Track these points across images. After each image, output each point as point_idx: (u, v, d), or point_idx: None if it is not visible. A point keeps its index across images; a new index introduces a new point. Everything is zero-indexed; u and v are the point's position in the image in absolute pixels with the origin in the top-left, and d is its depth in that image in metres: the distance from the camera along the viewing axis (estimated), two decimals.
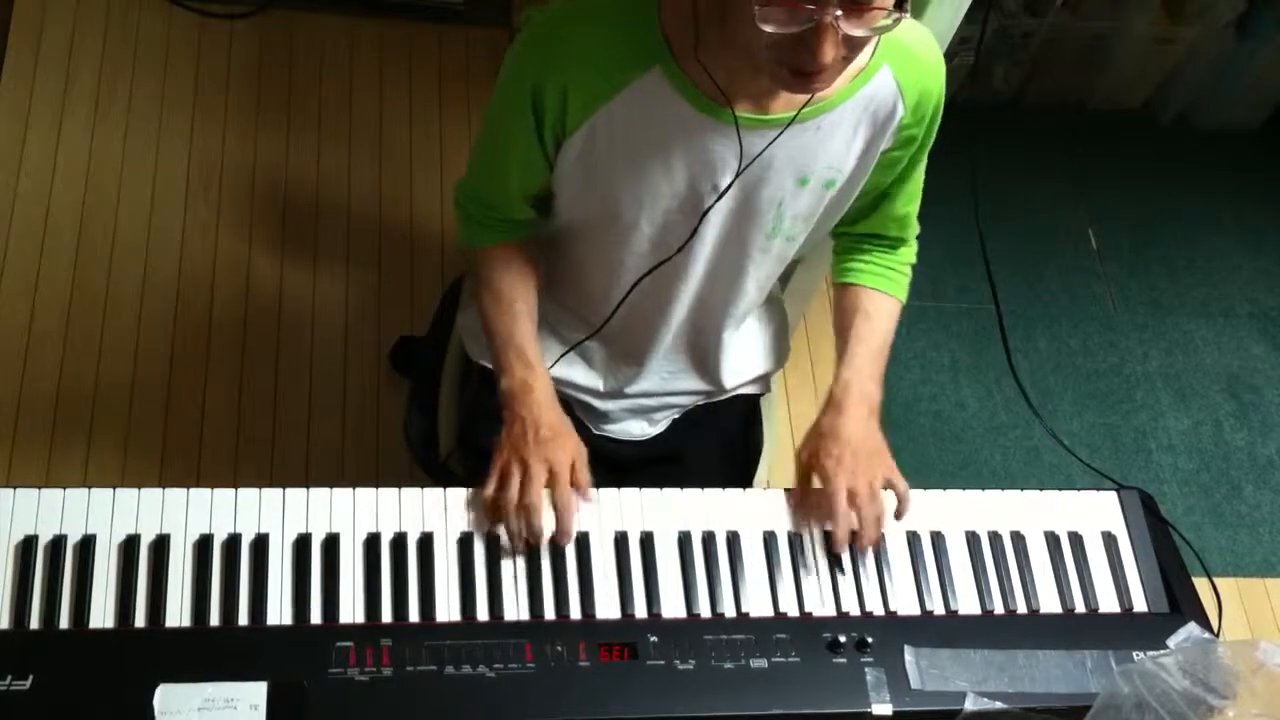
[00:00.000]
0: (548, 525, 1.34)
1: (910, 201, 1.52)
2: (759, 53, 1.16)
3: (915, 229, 1.57)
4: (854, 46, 1.14)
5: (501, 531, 1.34)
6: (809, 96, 1.28)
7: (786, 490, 1.46)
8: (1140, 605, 1.45)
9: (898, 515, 1.43)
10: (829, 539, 1.42)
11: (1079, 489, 1.52)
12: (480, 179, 1.48)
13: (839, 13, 1.09)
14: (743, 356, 1.66)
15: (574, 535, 1.35)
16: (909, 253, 1.59)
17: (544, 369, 1.45)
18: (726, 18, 1.18)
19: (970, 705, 1.31)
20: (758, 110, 1.30)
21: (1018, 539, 1.46)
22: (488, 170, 1.45)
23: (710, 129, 1.30)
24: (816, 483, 1.44)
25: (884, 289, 1.56)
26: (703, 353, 1.62)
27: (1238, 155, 3.14)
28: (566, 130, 1.33)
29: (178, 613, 1.25)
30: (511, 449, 1.37)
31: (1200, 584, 1.50)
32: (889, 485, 1.43)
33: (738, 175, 1.33)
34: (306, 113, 2.66)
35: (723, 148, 1.32)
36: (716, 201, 1.36)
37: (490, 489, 1.35)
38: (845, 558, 1.40)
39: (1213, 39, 2.94)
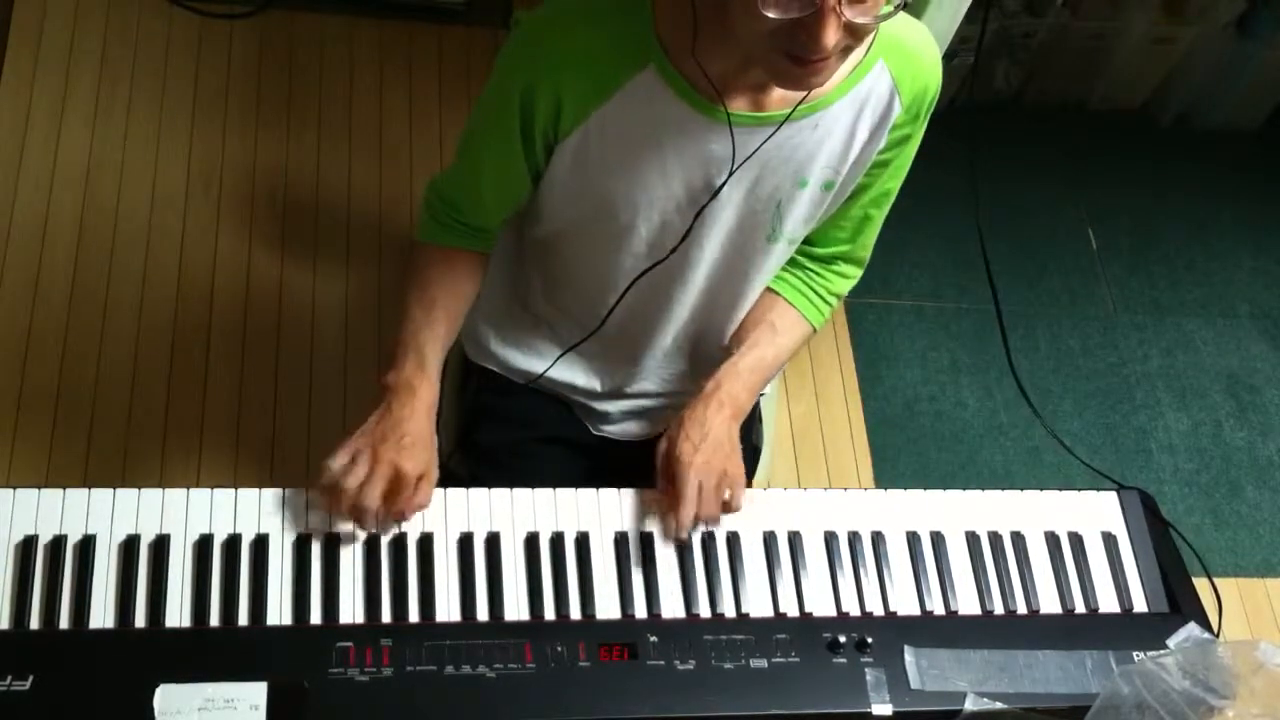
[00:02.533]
0: (371, 526, 1.33)
1: (876, 206, 1.48)
2: (758, 42, 1.14)
3: (868, 252, 1.54)
4: (855, 34, 1.13)
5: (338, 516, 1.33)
6: (805, 94, 1.27)
7: (786, 490, 1.46)
8: (1140, 605, 1.45)
9: (713, 521, 1.40)
10: (834, 540, 1.42)
11: (1079, 489, 1.52)
12: (454, 180, 1.46)
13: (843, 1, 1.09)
14: None
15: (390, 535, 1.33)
16: (844, 282, 1.56)
17: (435, 382, 1.41)
18: (725, 9, 1.17)
19: (970, 705, 1.31)
20: (753, 108, 1.30)
21: (1018, 539, 1.46)
22: (463, 173, 1.44)
23: (706, 128, 1.30)
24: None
25: (803, 311, 1.54)
26: (705, 356, 1.61)
27: (1238, 155, 3.14)
28: (560, 134, 1.32)
29: (178, 613, 1.25)
30: (369, 441, 1.34)
31: (1200, 584, 1.50)
32: (731, 484, 1.41)
33: (731, 172, 1.32)
34: (306, 113, 2.66)
35: (719, 147, 1.31)
36: (711, 200, 1.36)
37: (335, 465, 1.32)
38: (844, 558, 1.40)
39: (1213, 39, 2.94)
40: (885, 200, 1.48)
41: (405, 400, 1.38)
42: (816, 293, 1.55)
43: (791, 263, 1.54)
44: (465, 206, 1.46)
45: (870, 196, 1.46)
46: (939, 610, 1.40)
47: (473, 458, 1.66)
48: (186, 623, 1.25)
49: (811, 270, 1.55)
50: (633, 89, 1.28)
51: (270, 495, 1.33)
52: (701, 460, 1.39)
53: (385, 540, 1.33)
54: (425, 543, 1.34)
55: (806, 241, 1.51)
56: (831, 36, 1.11)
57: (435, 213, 1.48)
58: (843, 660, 1.32)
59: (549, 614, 1.31)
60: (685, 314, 1.53)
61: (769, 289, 1.54)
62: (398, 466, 1.33)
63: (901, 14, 1.16)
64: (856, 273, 1.57)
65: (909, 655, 1.33)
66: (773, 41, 1.14)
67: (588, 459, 1.67)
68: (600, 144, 1.32)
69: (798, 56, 1.14)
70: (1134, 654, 1.38)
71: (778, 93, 1.29)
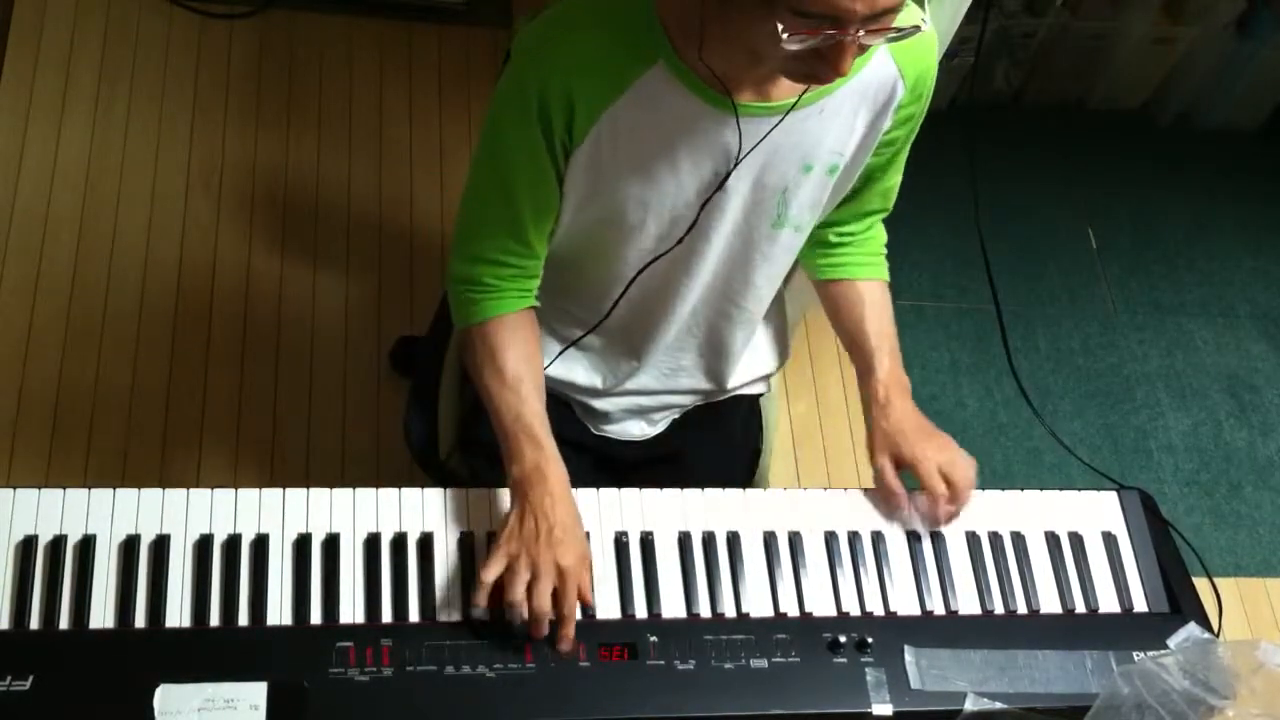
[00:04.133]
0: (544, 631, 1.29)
1: (898, 173, 1.52)
2: (772, 58, 1.17)
3: (892, 204, 1.58)
4: (865, 50, 1.16)
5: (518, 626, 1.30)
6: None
7: (786, 490, 1.46)
8: (1140, 605, 1.45)
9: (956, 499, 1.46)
10: (834, 539, 1.42)
11: (1079, 489, 1.52)
12: (490, 230, 1.40)
13: (862, 31, 1.11)
14: (747, 355, 1.66)
15: (573, 639, 1.30)
16: (881, 235, 1.60)
17: (554, 449, 1.38)
18: (733, 22, 1.18)
19: (970, 705, 1.31)
20: (760, 98, 1.30)
21: (1018, 539, 1.46)
22: (496, 212, 1.38)
23: (716, 120, 1.30)
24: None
25: (877, 277, 1.58)
26: (712, 350, 1.61)
27: (1238, 155, 3.15)
28: (574, 140, 1.32)
29: (178, 613, 1.25)
30: (522, 544, 1.29)
31: (1200, 584, 1.50)
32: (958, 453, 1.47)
33: (737, 162, 1.33)
34: (306, 113, 2.66)
35: (728, 137, 1.32)
36: (718, 189, 1.36)
37: (489, 577, 1.28)
38: (844, 558, 1.41)
39: (1213, 39, 2.95)
40: (901, 165, 1.51)
41: (539, 489, 1.33)
42: (874, 254, 1.59)
43: (831, 245, 1.57)
44: (512, 247, 1.40)
45: (893, 169, 1.49)
46: (939, 610, 1.40)
47: (473, 456, 1.66)
48: (186, 623, 1.25)
49: (855, 240, 1.57)
50: (642, 85, 1.28)
51: (270, 495, 1.33)
52: (935, 446, 1.45)
53: (385, 540, 1.33)
54: (425, 543, 1.34)
55: (841, 219, 1.55)
56: (849, 63, 1.14)
57: (475, 287, 1.42)
58: (843, 660, 1.32)
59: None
60: (690, 305, 1.53)
61: (839, 279, 1.57)
62: (557, 563, 1.29)
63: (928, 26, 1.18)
64: (882, 225, 1.61)
65: (909, 655, 1.33)
66: (791, 63, 1.17)
67: (588, 459, 1.66)
68: (612, 144, 1.32)
69: (812, 75, 1.17)
70: (1134, 654, 1.38)
71: (784, 82, 1.29)
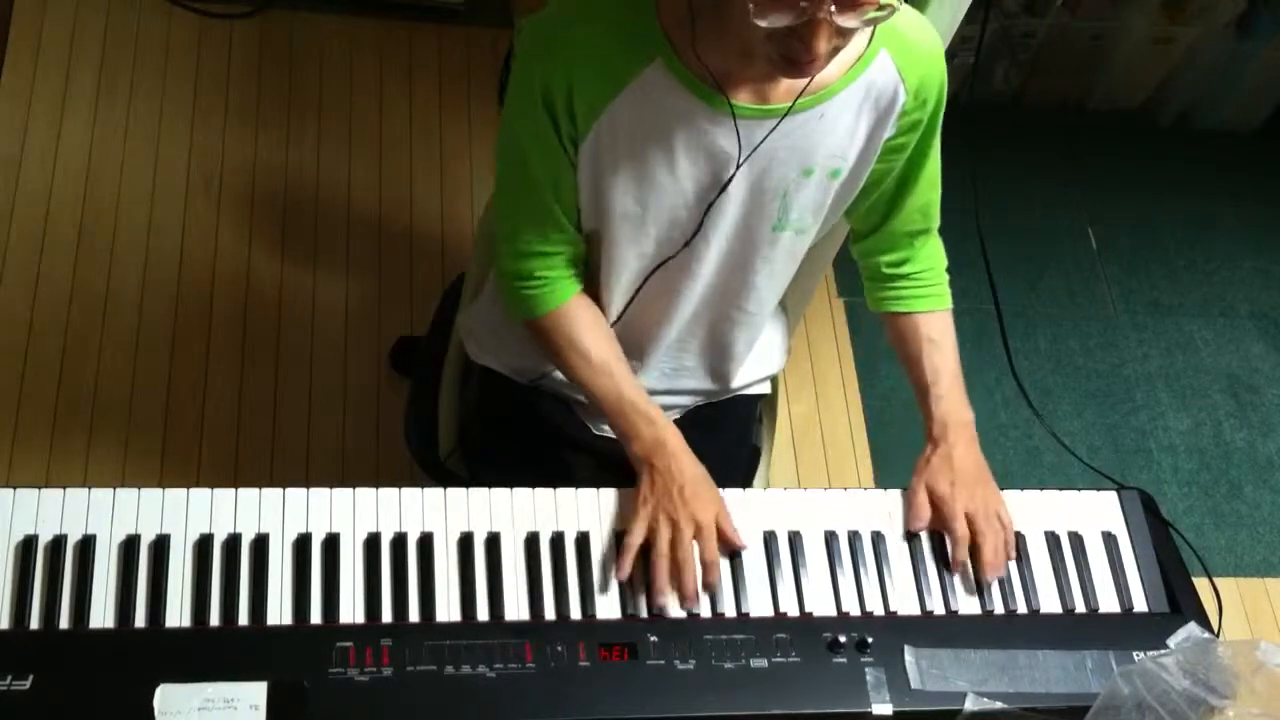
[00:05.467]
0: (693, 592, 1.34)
1: (931, 188, 1.50)
2: (753, 43, 1.17)
3: (938, 219, 1.55)
4: (846, 35, 1.16)
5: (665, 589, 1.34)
6: (807, 83, 1.28)
7: (786, 490, 1.46)
8: (1140, 605, 1.45)
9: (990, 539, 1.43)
10: (834, 539, 1.42)
11: (1079, 489, 1.52)
12: (528, 224, 1.42)
13: (832, 7, 1.10)
14: (749, 356, 1.66)
15: (718, 582, 1.36)
16: (939, 255, 1.57)
17: (665, 419, 1.44)
18: (720, 9, 1.18)
19: (970, 705, 1.31)
20: (758, 100, 1.30)
21: (1018, 539, 1.46)
22: (529, 206, 1.40)
23: (712, 121, 1.30)
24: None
25: (933, 307, 1.55)
26: (714, 352, 1.61)
27: (1238, 155, 3.15)
28: (579, 134, 1.33)
29: (178, 613, 1.25)
30: (658, 506, 1.36)
31: (1200, 584, 1.50)
32: (996, 515, 1.44)
33: (739, 165, 1.33)
34: (306, 113, 2.66)
35: (725, 140, 1.32)
36: (720, 193, 1.36)
37: (635, 540, 1.35)
38: (844, 558, 1.41)
39: (1213, 39, 2.95)
40: (936, 177, 1.49)
41: (663, 455, 1.40)
42: (928, 284, 1.56)
43: (889, 279, 1.55)
44: (551, 234, 1.42)
45: (922, 184, 1.48)
46: (939, 610, 1.40)
47: (473, 457, 1.66)
48: (186, 623, 1.25)
49: (910, 267, 1.55)
50: (641, 83, 1.28)
51: (270, 495, 1.33)
52: (963, 497, 1.43)
53: (385, 540, 1.33)
54: (425, 543, 1.34)
55: (889, 244, 1.53)
56: (823, 44, 1.14)
57: (529, 283, 1.45)
58: (843, 660, 1.32)
59: (549, 614, 1.31)
60: (691, 307, 1.53)
61: (897, 312, 1.55)
62: (694, 518, 1.35)
63: (903, 6, 1.17)
64: (938, 240, 1.58)
65: (909, 655, 1.33)
66: (768, 44, 1.16)
67: (588, 459, 1.66)
68: (612, 141, 1.32)
69: (790, 56, 1.16)
70: (1134, 654, 1.38)
71: (783, 85, 1.29)
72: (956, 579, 1.42)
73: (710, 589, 1.35)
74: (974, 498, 1.44)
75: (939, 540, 1.44)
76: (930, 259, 1.56)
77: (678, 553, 1.34)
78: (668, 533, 1.35)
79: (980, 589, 1.42)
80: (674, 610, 1.34)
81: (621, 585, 1.34)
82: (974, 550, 1.42)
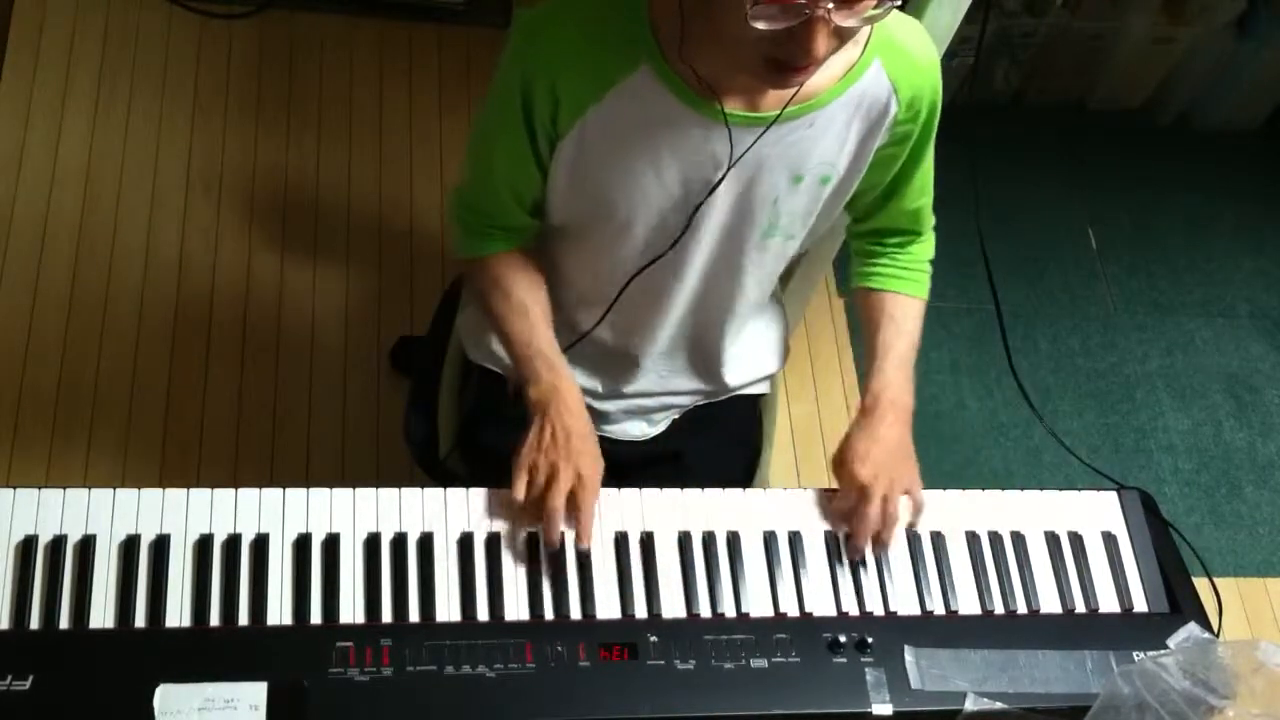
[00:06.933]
0: (556, 535, 1.35)
1: (920, 196, 1.51)
2: (745, 47, 1.14)
3: (930, 222, 1.56)
4: (843, 37, 1.13)
5: (531, 531, 1.35)
6: (796, 91, 1.27)
7: (786, 490, 1.46)
8: (1140, 605, 1.45)
9: (909, 525, 1.44)
10: (834, 540, 1.42)
11: (1079, 489, 1.52)
12: (474, 186, 1.47)
13: (830, 5, 1.08)
14: (744, 356, 1.66)
15: (590, 540, 1.35)
16: (926, 248, 1.58)
17: (569, 371, 1.44)
18: (711, 12, 1.17)
19: (970, 705, 1.31)
20: (748, 107, 1.30)
21: (1018, 539, 1.46)
22: (480, 176, 1.44)
23: (701, 126, 1.30)
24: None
25: (906, 291, 1.56)
26: (704, 352, 1.61)
27: (1238, 155, 3.15)
28: (559, 132, 1.33)
29: (178, 613, 1.25)
30: (540, 452, 1.37)
31: (1200, 584, 1.50)
32: (907, 493, 1.44)
33: (727, 171, 1.33)
34: (306, 113, 2.66)
35: (714, 145, 1.31)
36: (707, 198, 1.36)
37: (520, 491, 1.35)
38: (844, 558, 1.41)
39: (1213, 39, 2.94)
40: (926, 184, 1.50)
41: (556, 404, 1.40)
42: (908, 268, 1.56)
43: (871, 254, 1.56)
44: (493, 210, 1.46)
45: (916, 189, 1.48)
46: (939, 610, 1.40)
47: (472, 458, 1.66)
48: (186, 623, 1.25)
49: (893, 251, 1.56)
50: (627, 86, 1.28)
51: (270, 495, 1.33)
52: (876, 477, 1.41)
53: (385, 540, 1.33)
54: (425, 543, 1.34)
55: (877, 233, 1.54)
56: (822, 45, 1.11)
57: (469, 225, 1.49)
58: (843, 660, 1.32)
59: (549, 614, 1.31)
60: (680, 311, 1.53)
61: (870, 288, 1.56)
62: (577, 469, 1.36)
63: (898, 15, 1.16)
64: (931, 236, 1.59)
65: (909, 655, 1.33)
66: (760, 48, 1.13)
67: None
68: (596, 141, 1.32)
69: (784, 63, 1.14)
70: (1134, 654, 1.38)
71: (772, 93, 1.29)
72: (957, 579, 1.42)
73: (585, 539, 1.34)
74: (883, 476, 1.42)
75: (938, 540, 1.44)
76: (916, 249, 1.57)
77: (553, 501, 1.34)
78: (543, 482, 1.35)
79: (980, 589, 1.42)
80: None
81: (622, 585, 1.34)
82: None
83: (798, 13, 1.09)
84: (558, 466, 1.35)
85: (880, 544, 1.42)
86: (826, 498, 1.45)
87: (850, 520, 1.42)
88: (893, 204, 1.50)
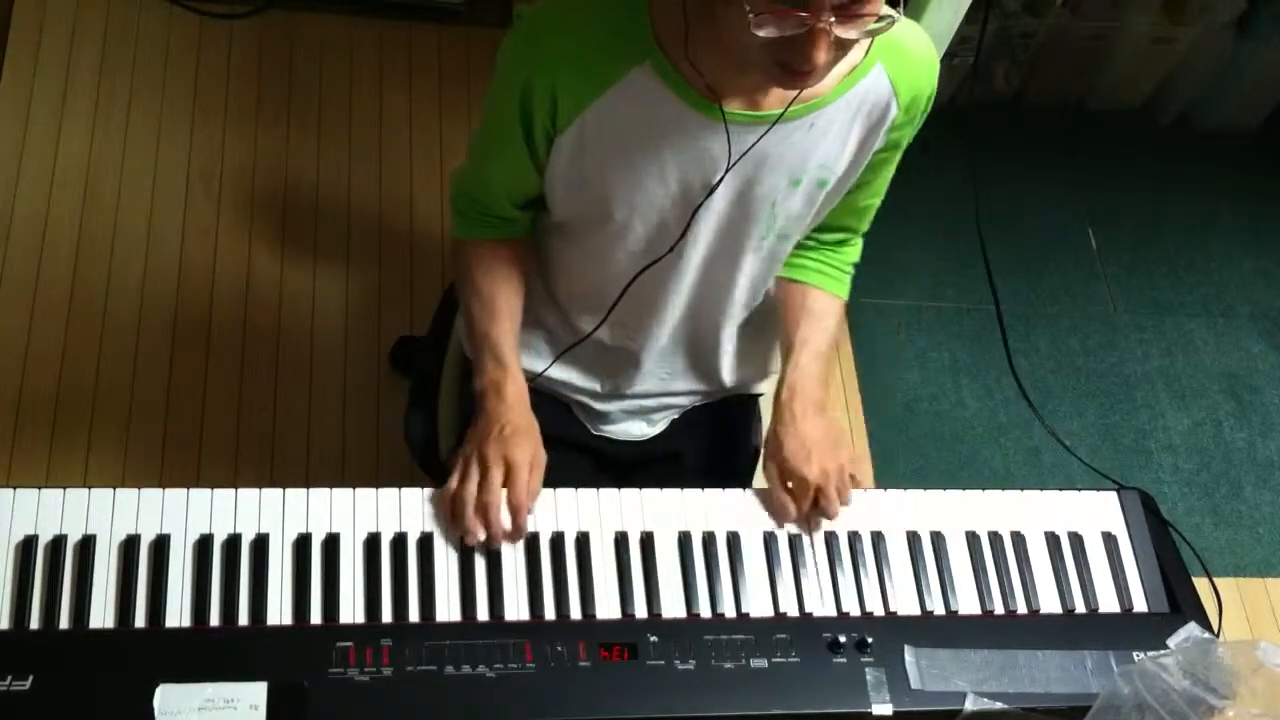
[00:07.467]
0: (503, 523, 1.34)
1: (875, 195, 1.52)
2: (750, 52, 1.16)
3: (868, 224, 1.57)
4: (846, 47, 1.15)
5: (472, 529, 1.33)
6: (799, 92, 1.27)
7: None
8: (1140, 605, 1.45)
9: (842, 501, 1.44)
10: (834, 539, 1.42)
11: (1079, 489, 1.52)
12: (470, 176, 1.48)
13: (832, 18, 1.10)
14: (742, 356, 1.66)
15: (524, 535, 1.35)
16: (855, 251, 1.60)
17: (518, 369, 1.45)
18: (714, 16, 1.18)
19: (970, 705, 1.31)
20: (749, 107, 1.30)
21: (1018, 539, 1.46)
22: (476, 166, 1.46)
23: (701, 126, 1.30)
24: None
25: (829, 289, 1.57)
26: (701, 352, 1.61)
27: (1238, 155, 3.15)
28: (557, 129, 1.33)
29: (178, 613, 1.25)
30: (474, 445, 1.38)
31: (1200, 584, 1.50)
32: (853, 477, 1.45)
33: (727, 170, 1.33)
34: (306, 113, 2.66)
35: (714, 145, 1.32)
36: (707, 198, 1.36)
37: (453, 484, 1.35)
38: (844, 558, 1.41)
39: (1213, 39, 2.94)
40: (884, 186, 1.51)
41: (493, 398, 1.42)
42: (835, 267, 1.57)
43: (802, 247, 1.56)
44: (485, 200, 1.47)
45: (873, 189, 1.49)
46: (939, 610, 1.40)
47: None
48: (186, 623, 1.25)
49: (825, 248, 1.57)
50: (627, 85, 1.28)
51: (270, 495, 1.33)
52: (818, 466, 1.42)
53: (385, 540, 1.33)
54: (425, 543, 1.34)
55: (818, 228, 1.54)
56: (822, 54, 1.13)
57: (462, 209, 1.51)
58: (843, 660, 1.32)
59: (549, 614, 1.31)
60: (679, 311, 1.53)
61: (790, 280, 1.56)
62: (506, 457, 1.35)
63: (902, 18, 1.17)
64: (860, 242, 1.60)
65: (909, 655, 1.33)
66: (764, 53, 1.15)
67: (588, 459, 1.66)
68: (596, 139, 1.32)
69: (788, 65, 1.15)
70: (1134, 654, 1.38)
71: (774, 92, 1.29)
72: (957, 579, 1.42)
73: (517, 535, 1.33)
74: (826, 467, 1.43)
75: (938, 540, 1.44)
76: (846, 250, 1.58)
77: (483, 495, 1.33)
78: (476, 474, 1.34)
79: (980, 589, 1.42)
80: (480, 536, 1.32)
81: (622, 585, 1.34)
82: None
83: (799, 23, 1.10)
84: (486, 455, 1.35)
85: (827, 515, 1.42)
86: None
87: (809, 518, 1.42)
88: (848, 199, 1.49)
